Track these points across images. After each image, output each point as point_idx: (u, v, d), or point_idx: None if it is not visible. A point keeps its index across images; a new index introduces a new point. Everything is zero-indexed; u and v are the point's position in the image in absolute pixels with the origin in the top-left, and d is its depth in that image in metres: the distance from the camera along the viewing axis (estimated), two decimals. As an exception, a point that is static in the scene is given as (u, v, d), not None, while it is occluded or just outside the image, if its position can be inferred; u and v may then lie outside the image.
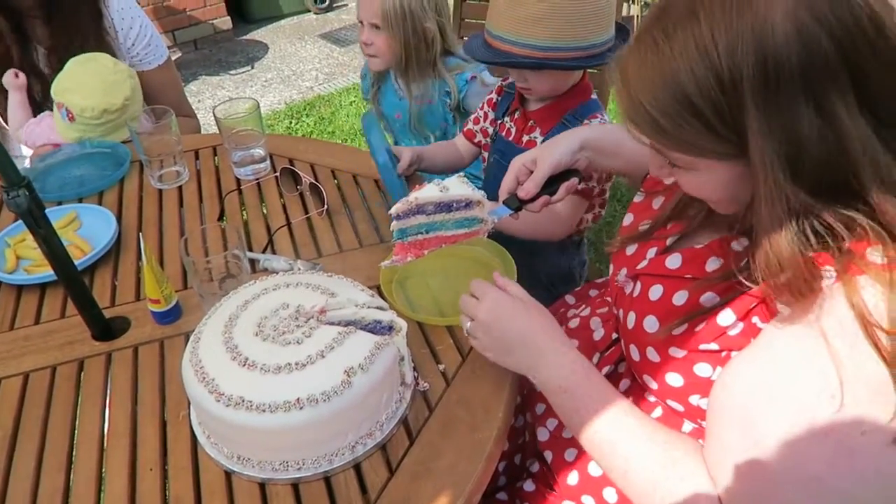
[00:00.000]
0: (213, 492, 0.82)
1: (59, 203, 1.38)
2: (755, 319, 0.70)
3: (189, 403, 0.91)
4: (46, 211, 0.92)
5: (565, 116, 1.31)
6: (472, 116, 1.54)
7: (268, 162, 1.45)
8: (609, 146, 1.08)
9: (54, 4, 1.58)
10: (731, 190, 0.69)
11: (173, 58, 1.86)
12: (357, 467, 0.84)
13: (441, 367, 0.96)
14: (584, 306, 1.08)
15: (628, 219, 0.97)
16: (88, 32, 1.63)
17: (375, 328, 0.87)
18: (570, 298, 1.23)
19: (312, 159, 1.48)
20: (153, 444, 0.88)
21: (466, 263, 1.16)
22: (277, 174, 1.39)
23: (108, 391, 0.97)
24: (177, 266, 1.20)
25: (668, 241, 0.85)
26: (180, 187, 1.43)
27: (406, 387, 0.91)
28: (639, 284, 0.85)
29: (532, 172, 1.03)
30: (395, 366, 0.86)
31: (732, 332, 0.72)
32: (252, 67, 4.15)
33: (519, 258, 1.10)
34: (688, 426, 0.82)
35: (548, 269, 1.48)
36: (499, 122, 1.46)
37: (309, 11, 4.87)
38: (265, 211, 1.35)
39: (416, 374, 0.94)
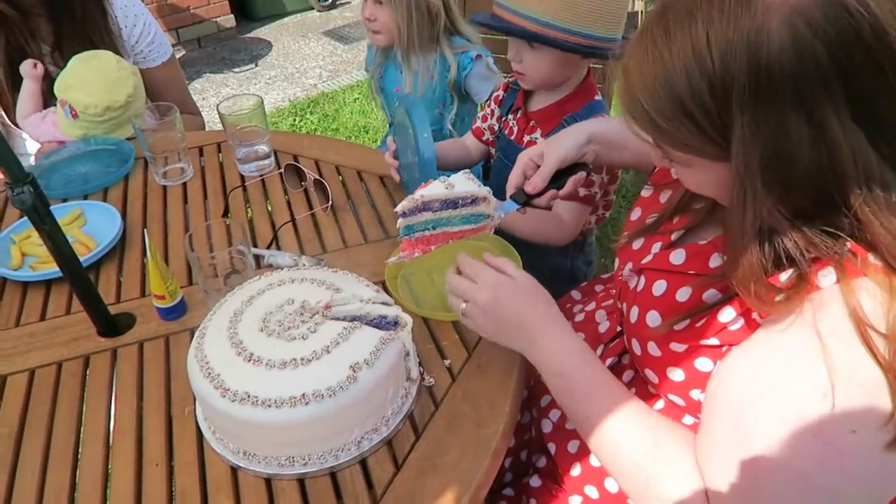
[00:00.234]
0: (219, 487, 0.82)
1: (64, 200, 1.38)
2: (755, 315, 0.70)
3: (195, 399, 0.91)
4: (51, 208, 0.92)
5: (565, 118, 1.30)
6: (481, 114, 1.54)
7: (272, 158, 1.45)
8: (616, 139, 1.07)
9: (59, 2, 1.58)
10: (727, 189, 0.69)
11: (177, 56, 1.85)
12: (363, 462, 0.83)
13: (446, 362, 0.96)
14: (590, 301, 1.08)
15: (636, 213, 0.97)
16: (93, 30, 1.63)
17: (381, 323, 0.87)
18: (575, 294, 1.23)
19: (317, 156, 1.48)
20: (159, 439, 0.89)
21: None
22: (282, 171, 1.39)
23: (114, 387, 0.97)
24: (181, 262, 1.20)
25: (673, 237, 0.85)
26: (185, 184, 1.43)
27: (411, 382, 0.90)
28: (643, 279, 0.85)
29: (539, 167, 1.03)
30: (400, 361, 0.86)
31: (733, 328, 0.72)
32: (256, 65, 4.15)
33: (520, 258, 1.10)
34: (688, 420, 0.82)
35: (549, 269, 1.47)
36: (503, 119, 1.46)
37: (312, 9, 4.87)
38: (269, 207, 1.35)
39: (421, 370, 0.93)
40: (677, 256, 0.81)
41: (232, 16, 4.47)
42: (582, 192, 1.25)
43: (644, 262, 0.86)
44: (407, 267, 1.12)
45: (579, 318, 1.04)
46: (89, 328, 1.05)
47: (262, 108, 1.39)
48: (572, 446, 0.95)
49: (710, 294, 0.75)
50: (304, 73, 4.01)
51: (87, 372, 1.00)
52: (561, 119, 1.30)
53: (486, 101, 1.55)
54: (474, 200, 0.97)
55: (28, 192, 0.88)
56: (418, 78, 1.80)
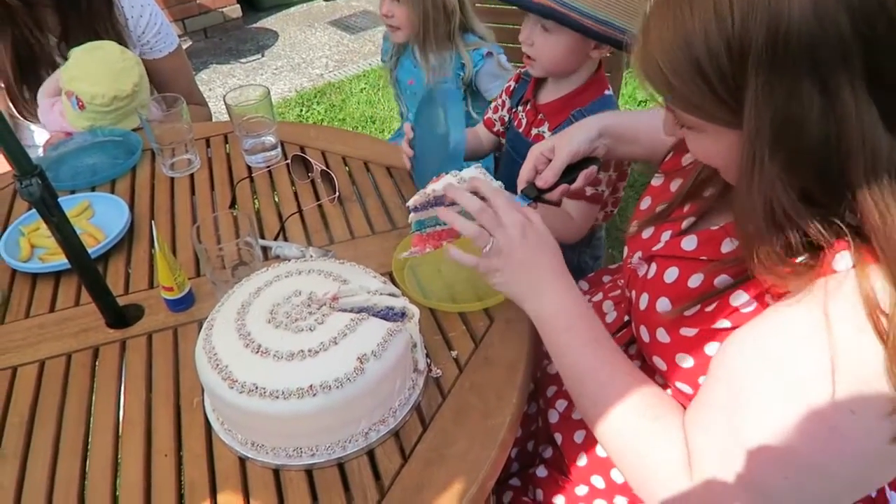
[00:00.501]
0: (227, 477, 0.83)
1: (72, 192, 1.39)
2: (769, 298, 0.69)
3: (203, 390, 0.91)
4: (59, 200, 0.92)
5: (573, 113, 1.29)
6: (492, 105, 1.53)
7: (279, 149, 1.45)
8: (627, 133, 1.07)
9: (65, -7, 1.58)
10: (736, 159, 0.68)
11: (183, 46, 1.85)
12: (370, 454, 0.84)
13: (454, 353, 0.96)
14: (597, 292, 1.07)
15: (645, 202, 0.96)
16: (99, 21, 1.63)
17: (388, 315, 0.87)
18: (583, 284, 1.22)
19: (323, 146, 1.48)
20: (168, 430, 0.89)
21: (479, 250, 1.15)
22: (288, 161, 1.39)
23: (123, 378, 0.97)
24: (189, 254, 1.20)
25: (684, 225, 0.84)
26: (192, 175, 1.43)
27: (419, 373, 0.91)
28: (653, 266, 0.85)
29: (550, 161, 1.02)
30: (407, 352, 0.86)
31: (745, 311, 0.71)
32: (262, 55, 4.14)
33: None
34: None
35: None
36: (513, 110, 1.45)
37: (318, -2, 4.85)
38: (277, 198, 1.35)
39: (428, 361, 0.94)
40: (689, 243, 0.81)
41: (238, 6, 4.46)
42: (589, 190, 1.24)
43: (655, 249, 0.86)
44: (414, 258, 1.12)
45: (586, 308, 1.04)
46: (98, 319, 1.05)
47: (269, 98, 1.39)
48: (578, 436, 0.95)
49: (722, 279, 0.74)
50: (310, 63, 4.00)
51: (97, 363, 1.00)
52: (569, 113, 1.29)
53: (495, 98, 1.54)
54: None
55: (36, 185, 0.88)
56: (434, 75, 1.79)
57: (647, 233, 0.90)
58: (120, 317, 1.05)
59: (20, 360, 1.01)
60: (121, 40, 1.63)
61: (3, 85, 1.61)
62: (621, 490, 0.91)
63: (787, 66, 0.58)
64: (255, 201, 1.36)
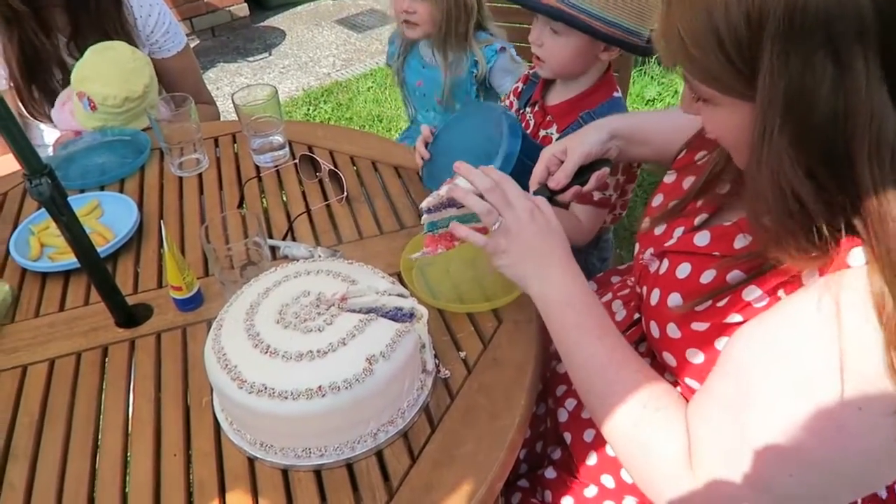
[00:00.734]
0: (236, 477, 0.83)
1: (81, 191, 1.39)
2: (781, 293, 0.69)
3: (212, 390, 0.91)
4: (69, 199, 0.93)
5: (582, 115, 1.29)
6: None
7: (287, 149, 1.45)
8: (639, 135, 1.07)
9: (74, -8, 1.59)
10: (747, 134, 0.68)
11: (191, 45, 1.85)
12: (379, 454, 0.84)
13: (462, 354, 0.96)
14: (606, 292, 1.07)
15: (657, 199, 0.96)
16: (108, 21, 1.63)
17: (396, 315, 0.87)
18: (591, 285, 1.22)
19: (331, 146, 1.48)
20: (177, 429, 0.89)
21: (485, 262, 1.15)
22: (296, 161, 1.39)
23: (132, 377, 0.97)
24: (198, 253, 1.20)
25: (697, 221, 0.84)
26: (200, 175, 1.43)
27: (427, 374, 0.90)
28: (665, 262, 0.85)
29: (562, 162, 1.02)
30: (416, 353, 0.86)
31: (757, 305, 0.71)
32: (269, 54, 4.15)
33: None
34: None
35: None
36: (520, 112, 1.45)
37: (326, -3, 4.85)
38: (285, 198, 1.35)
39: (437, 362, 0.93)
40: (702, 238, 0.80)
41: (245, 5, 4.47)
42: (597, 195, 1.24)
43: (667, 245, 0.86)
44: (422, 259, 1.12)
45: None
46: (107, 319, 1.06)
47: (277, 98, 1.39)
48: (588, 435, 0.95)
49: (735, 275, 0.74)
50: (317, 61, 4.01)
51: (106, 362, 1.00)
52: (577, 115, 1.29)
53: (508, 94, 1.53)
54: None
55: (46, 184, 0.88)
56: (450, 74, 1.78)
57: (659, 229, 0.90)
58: (129, 316, 1.06)
59: (30, 358, 1.01)
60: (130, 40, 1.63)
61: (12, 85, 1.62)
62: (631, 490, 0.91)
63: (803, 37, 0.57)
64: (264, 201, 1.36)
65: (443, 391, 0.91)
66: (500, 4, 1.99)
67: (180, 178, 1.42)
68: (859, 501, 0.84)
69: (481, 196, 0.89)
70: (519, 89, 1.47)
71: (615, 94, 1.32)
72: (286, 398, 0.77)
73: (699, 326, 0.76)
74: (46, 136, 1.71)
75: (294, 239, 1.22)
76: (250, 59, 4.11)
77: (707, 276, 0.77)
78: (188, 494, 0.82)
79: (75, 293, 1.14)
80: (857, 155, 0.59)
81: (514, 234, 0.87)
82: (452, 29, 1.71)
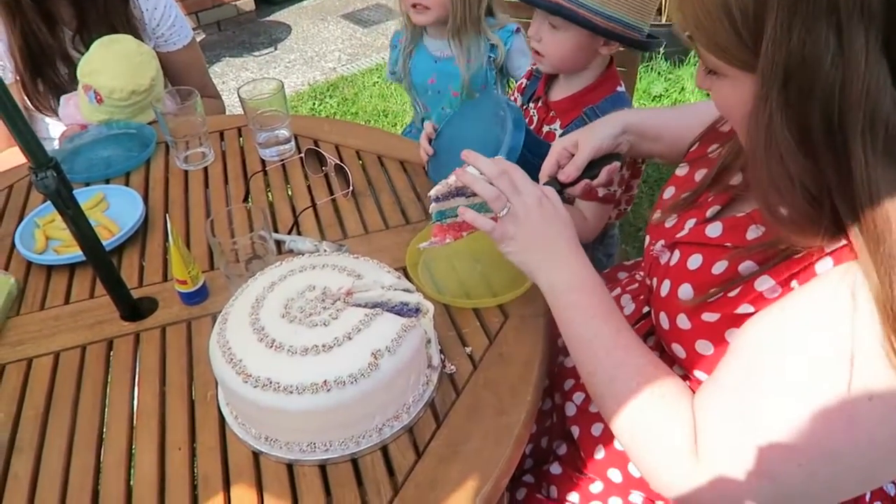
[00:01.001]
0: (240, 471, 0.83)
1: (87, 184, 1.39)
2: (794, 283, 0.68)
3: (216, 384, 0.91)
4: (74, 192, 0.92)
5: (585, 111, 1.28)
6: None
7: (292, 143, 1.44)
8: (650, 130, 1.07)
9: (81, -14, 1.59)
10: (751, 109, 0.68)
11: (197, 39, 1.85)
12: (384, 449, 0.83)
13: (468, 349, 0.95)
14: (614, 287, 1.07)
15: (669, 191, 0.95)
16: (115, 14, 1.63)
17: (402, 310, 0.87)
18: (598, 280, 1.21)
19: (337, 140, 1.47)
20: (181, 423, 0.89)
21: (493, 246, 1.14)
22: (302, 155, 1.39)
23: (137, 371, 0.97)
24: (203, 247, 1.20)
25: (709, 213, 0.83)
26: (206, 168, 1.43)
27: (433, 369, 0.90)
28: (677, 253, 0.84)
29: (573, 156, 1.02)
30: (421, 348, 0.86)
31: (770, 296, 0.70)
32: (275, 49, 4.14)
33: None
34: None
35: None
36: (524, 107, 1.44)
37: (331, -9, 4.84)
38: (290, 192, 1.34)
39: (442, 357, 0.93)
40: (714, 230, 0.80)
41: (251, -1, 4.47)
42: (602, 191, 1.23)
43: (679, 236, 0.85)
44: (428, 253, 1.12)
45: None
46: (112, 312, 1.06)
47: (283, 92, 1.38)
48: (596, 429, 0.95)
49: (747, 266, 0.73)
50: (323, 56, 4.00)
51: (111, 355, 1.00)
52: (581, 111, 1.28)
53: (514, 87, 1.52)
54: None
55: (52, 177, 0.88)
56: (469, 62, 1.75)
57: (670, 221, 0.90)
58: (134, 309, 1.05)
59: (35, 351, 1.01)
60: (136, 33, 1.63)
61: (18, 78, 1.62)
62: (638, 485, 0.90)
63: (808, 7, 0.57)
64: (269, 195, 1.36)
65: (448, 386, 0.90)
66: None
67: (186, 172, 1.42)
68: (868, 495, 0.84)
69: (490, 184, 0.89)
70: (523, 85, 1.47)
71: (619, 88, 1.31)
72: (291, 392, 0.77)
73: (710, 317, 0.76)
74: (52, 130, 1.71)
75: (299, 233, 1.22)
76: (256, 53, 4.10)
77: (719, 267, 0.77)
78: (192, 488, 0.82)
79: (80, 286, 1.13)
80: (850, 130, 0.59)
81: (522, 221, 0.87)
82: (467, 13, 1.67)
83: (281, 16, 4.59)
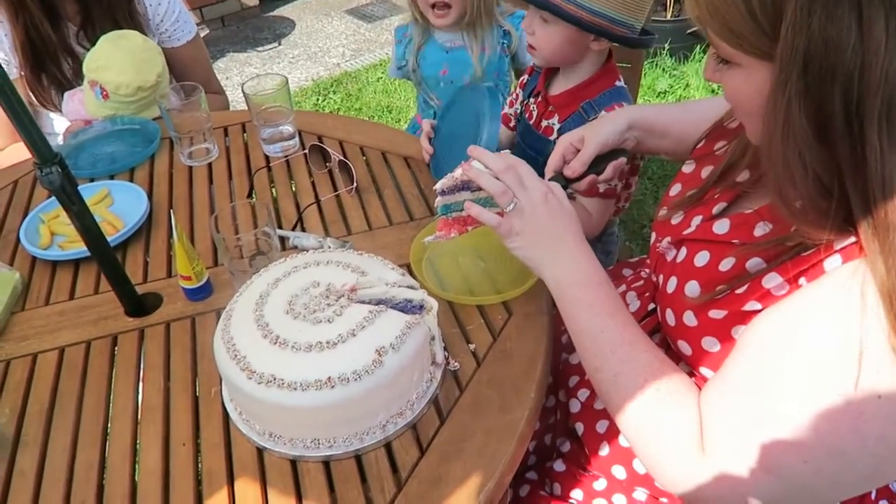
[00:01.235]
0: (245, 467, 0.83)
1: (92, 180, 1.39)
2: (802, 280, 0.68)
3: (221, 380, 0.91)
4: (79, 188, 0.92)
5: (583, 105, 1.28)
6: (507, 100, 1.52)
7: (297, 139, 1.44)
8: (657, 126, 1.06)
9: (84, -19, 1.59)
10: (764, 101, 0.67)
11: (201, 34, 1.85)
12: (388, 446, 0.83)
13: (471, 346, 0.95)
14: (619, 284, 1.06)
15: (675, 188, 0.95)
16: (119, 9, 1.63)
17: (406, 307, 0.87)
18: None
19: (341, 136, 1.47)
20: (186, 419, 0.89)
21: (497, 242, 1.14)
22: (306, 151, 1.39)
23: (141, 366, 0.98)
24: (207, 243, 1.20)
25: (715, 210, 0.83)
26: (210, 164, 1.43)
27: (436, 366, 0.90)
28: (684, 250, 0.84)
29: (579, 151, 1.01)
30: (425, 345, 0.86)
31: (778, 293, 0.70)
32: (279, 44, 4.14)
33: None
34: None
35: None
36: (524, 103, 1.44)
37: (335, -13, 4.83)
38: (294, 188, 1.34)
39: (446, 354, 0.93)
40: (721, 226, 0.80)
41: (255, -6, 4.46)
42: (602, 186, 1.23)
43: (685, 233, 0.85)
44: (432, 250, 1.12)
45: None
46: (117, 308, 1.06)
47: (287, 88, 1.38)
48: (601, 426, 0.95)
49: (754, 263, 0.73)
50: (327, 51, 3.99)
51: (115, 351, 1.01)
52: (578, 105, 1.28)
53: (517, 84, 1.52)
54: None
55: (56, 173, 0.88)
56: (485, 52, 1.75)
57: (676, 218, 0.89)
58: (138, 305, 1.06)
59: (40, 346, 1.02)
60: (139, 29, 1.63)
61: (22, 73, 1.62)
62: (642, 481, 0.90)
63: None
64: (273, 191, 1.36)
65: (452, 383, 0.90)
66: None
67: (190, 168, 1.42)
68: (874, 493, 0.84)
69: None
70: (524, 81, 1.47)
71: (617, 83, 1.30)
72: (295, 389, 0.77)
73: (716, 314, 0.76)
74: (56, 125, 1.71)
75: (303, 229, 1.22)
76: (260, 48, 4.10)
77: (726, 264, 0.77)
78: (197, 483, 0.82)
79: (85, 282, 1.14)
80: (867, 117, 0.58)
81: (528, 216, 0.86)
82: (482, 4, 1.67)
83: (285, 11, 4.58)
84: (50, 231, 1.22)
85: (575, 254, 0.86)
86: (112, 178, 1.41)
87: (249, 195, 1.33)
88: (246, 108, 1.43)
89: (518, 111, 1.48)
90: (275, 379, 0.77)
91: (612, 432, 0.93)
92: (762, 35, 0.62)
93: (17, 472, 0.85)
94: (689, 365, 0.83)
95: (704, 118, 0.96)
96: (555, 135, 1.32)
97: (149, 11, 1.69)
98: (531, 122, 1.39)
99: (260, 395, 0.78)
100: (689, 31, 3.21)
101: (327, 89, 3.54)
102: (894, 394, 0.59)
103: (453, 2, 1.66)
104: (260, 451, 0.84)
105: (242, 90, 1.38)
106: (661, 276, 0.88)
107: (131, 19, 1.64)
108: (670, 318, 0.83)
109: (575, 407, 0.99)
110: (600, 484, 0.95)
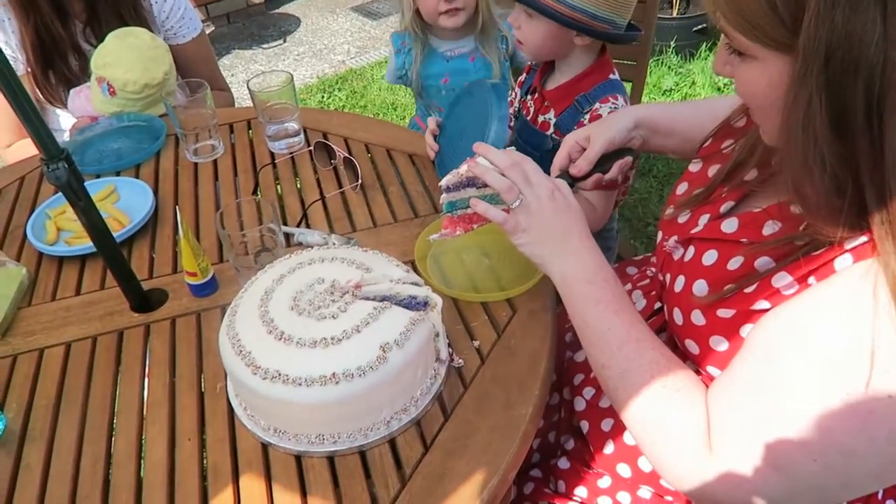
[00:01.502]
0: (249, 462, 0.83)
1: (98, 176, 1.40)
2: (811, 280, 0.68)
3: (226, 375, 0.92)
4: (85, 184, 0.93)
5: (577, 98, 1.28)
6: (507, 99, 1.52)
7: (302, 136, 1.44)
8: (663, 125, 1.06)
9: (91, -22, 1.59)
10: (780, 94, 0.67)
11: (206, 31, 1.85)
12: (392, 442, 0.84)
13: (476, 343, 0.95)
14: (625, 283, 1.06)
15: (682, 187, 0.95)
16: (124, 6, 1.63)
17: (411, 304, 0.87)
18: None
19: (346, 133, 1.47)
20: (191, 414, 0.90)
21: (502, 239, 1.14)
22: (311, 148, 1.39)
23: (147, 362, 0.98)
24: (212, 239, 1.21)
25: (723, 209, 0.83)
26: (215, 161, 1.43)
27: (441, 363, 0.90)
28: (691, 249, 0.84)
29: (584, 150, 1.01)
30: (429, 342, 0.86)
31: (787, 292, 0.70)
32: (284, 41, 4.14)
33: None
34: None
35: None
36: (522, 100, 1.44)
37: (341, -16, 4.83)
38: (299, 185, 1.35)
39: (450, 351, 0.93)
40: (729, 225, 0.79)
41: (261, -9, 4.47)
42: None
43: (693, 232, 0.85)
44: (437, 247, 1.12)
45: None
46: (123, 303, 1.06)
47: (292, 85, 1.38)
48: (606, 424, 0.95)
49: (763, 261, 0.73)
50: (332, 49, 4.00)
51: (121, 346, 1.01)
52: (573, 99, 1.28)
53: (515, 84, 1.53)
54: None
55: (63, 169, 0.88)
56: (486, 55, 1.75)
57: (683, 217, 0.89)
58: (144, 301, 1.06)
59: (47, 342, 1.02)
60: (145, 25, 1.63)
61: (29, 70, 1.63)
62: (647, 480, 0.90)
63: None
64: (278, 188, 1.36)
65: (456, 380, 0.91)
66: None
67: (195, 164, 1.42)
68: (881, 493, 0.84)
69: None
70: (522, 79, 1.47)
71: (611, 75, 1.30)
72: (300, 385, 0.77)
73: (725, 313, 0.75)
74: (63, 121, 1.72)
75: (308, 226, 1.22)
76: (265, 45, 4.11)
77: (734, 263, 0.76)
78: (202, 478, 0.83)
79: (91, 277, 1.14)
80: (887, 112, 0.58)
81: (535, 212, 0.86)
82: (484, 7, 1.68)
83: (290, 8, 4.58)
84: (56, 227, 1.23)
85: (581, 250, 0.86)
86: (118, 174, 1.41)
87: (254, 192, 1.34)
88: (251, 104, 1.44)
89: (516, 109, 1.48)
90: (280, 375, 0.77)
91: (618, 430, 0.93)
92: (781, 26, 0.61)
93: (23, 466, 0.86)
94: (696, 364, 0.83)
95: (711, 117, 0.96)
96: (551, 129, 1.32)
97: (154, 8, 1.69)
98: (528, 118, 1.40)
99: (265, 391, 0.78)
100: (694, 29, 3.20)
101: (332, 86, 3.54)
102: None
103: (466, 5, 1.66)
104: (265, 447, 0.85)
105: (248, 87, 1.38)
106: (668, 275, 0.88)
107: (136, 16, 1.65)
108: (678, 316, 0.83)
109: (580, 405, 0.99)
110: (605, 482, 0.95)
